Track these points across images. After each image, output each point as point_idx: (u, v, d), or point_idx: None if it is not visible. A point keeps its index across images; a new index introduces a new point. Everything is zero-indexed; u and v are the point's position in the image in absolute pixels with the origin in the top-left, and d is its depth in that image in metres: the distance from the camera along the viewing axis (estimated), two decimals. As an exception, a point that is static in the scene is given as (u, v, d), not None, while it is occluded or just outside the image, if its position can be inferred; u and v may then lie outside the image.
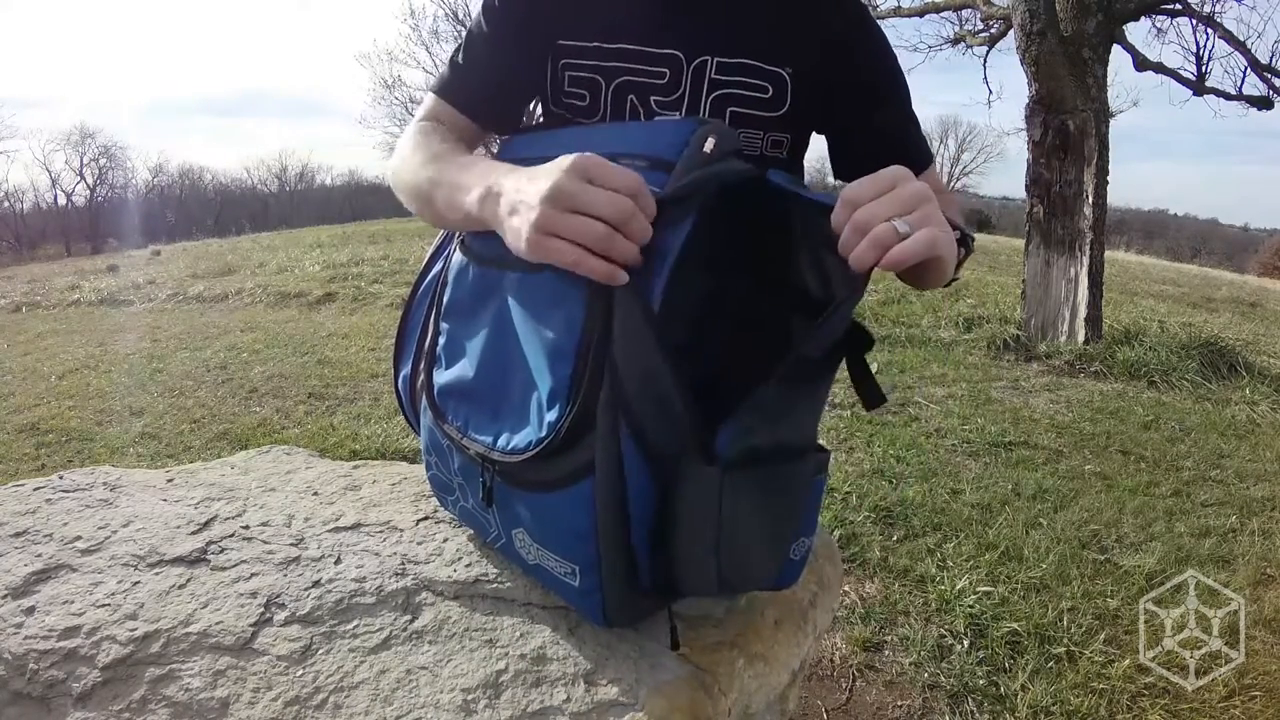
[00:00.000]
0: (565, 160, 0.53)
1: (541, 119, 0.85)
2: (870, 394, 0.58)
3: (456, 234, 0.73)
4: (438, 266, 0.78)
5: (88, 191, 32.85)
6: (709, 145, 0.56)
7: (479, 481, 0.64)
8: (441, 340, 0.70)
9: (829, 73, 0.80)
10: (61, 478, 0.88)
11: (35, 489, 0.85)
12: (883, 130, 0.83)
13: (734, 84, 0.79)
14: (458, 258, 0.70)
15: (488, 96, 0.81)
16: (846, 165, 0.85)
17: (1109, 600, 1.87)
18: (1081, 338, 4.28)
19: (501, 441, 0.60)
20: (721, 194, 0.57)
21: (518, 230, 0.54)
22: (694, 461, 0.55)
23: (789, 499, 0.62)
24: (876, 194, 0.53)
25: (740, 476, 0.55)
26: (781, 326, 0.64)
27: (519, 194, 0.55)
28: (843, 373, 0.60)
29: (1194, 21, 5.34)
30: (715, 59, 0.78)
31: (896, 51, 0.85)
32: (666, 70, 0.78)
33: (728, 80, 0.79)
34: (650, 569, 0.59)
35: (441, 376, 0.69)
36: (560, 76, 0.81)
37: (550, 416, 0.56)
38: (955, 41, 7.22)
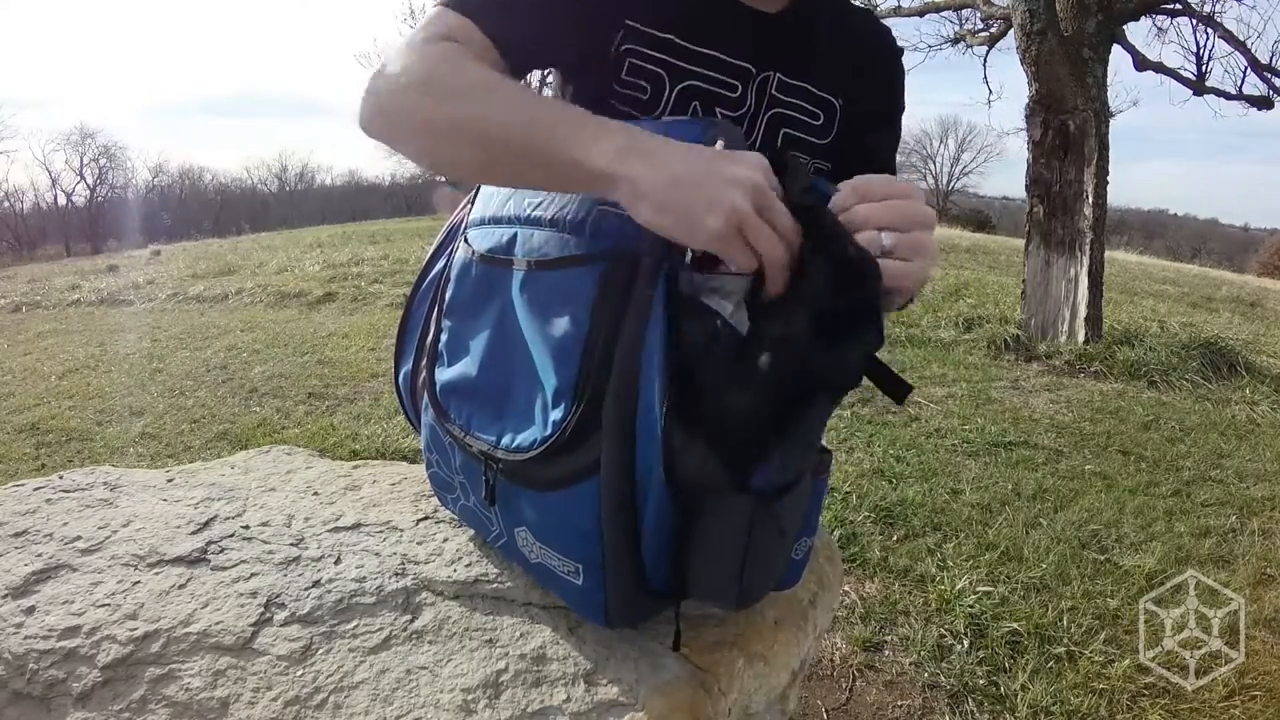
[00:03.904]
0: (752, 161, 0.50)
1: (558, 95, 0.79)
2: (896, 389, 0.56)
3: (460, 231, 0.72)
4: (440, 264, 0.77)
5: (88, 191, 32.90)
6: (719, 147, 0.55)
7: (481, 480, 0.64)
8: (444, 338, 0.70)
9: (860, 104, 0.80)
10: (61, 478, 0.88)
11: (35, 489, 0.85)
12: (873, 150, 0.83)
13: (790, 105, 0.77)
14: (461, 256, 0.70)
15: (531, 44, 0.67)
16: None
17: (1109, 600, 1.87)
18: (1081, 338, 4.28)
19: (505, 440, 0.60)
20: None
21: (694, 211, 0.48)
22: (726, 491, 0.53)
23: (803, 509, 0.62)
24: (885, 195, 0.51)
25: (772, 507, 0.54)
26: None
27: (691, 165, 0.49)
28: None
29: (1194, 21, 5.34)
30: (778, 76, 0.76)
31: None
32: (738, 84, 0.74)
33: (785, 100, 0.77)
34: (660, 573, 0.58)
35: (444, 374, 0.69)
36: (619, 60, 0.71)
37: (555, 415, 0.56)
38: (955, 41, 7.22)
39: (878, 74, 0.83)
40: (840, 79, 0.79)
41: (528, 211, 0.62)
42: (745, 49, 0.74)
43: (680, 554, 0.56)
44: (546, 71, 0.80)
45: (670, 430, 0.52)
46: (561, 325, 0.56)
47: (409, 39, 0.63)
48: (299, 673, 0.60)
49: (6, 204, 31.08)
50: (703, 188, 0.48)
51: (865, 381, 0.57)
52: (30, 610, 0.65)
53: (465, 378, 0.66)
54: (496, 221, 0.66)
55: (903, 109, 0.86)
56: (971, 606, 1.81)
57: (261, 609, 0.66)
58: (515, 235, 0.62)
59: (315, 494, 0.87)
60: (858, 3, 0.84)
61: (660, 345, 0.52)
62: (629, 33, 0.70)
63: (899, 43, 0.87)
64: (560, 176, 0.54)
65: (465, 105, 0.57)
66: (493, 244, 0.65)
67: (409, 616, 0.66)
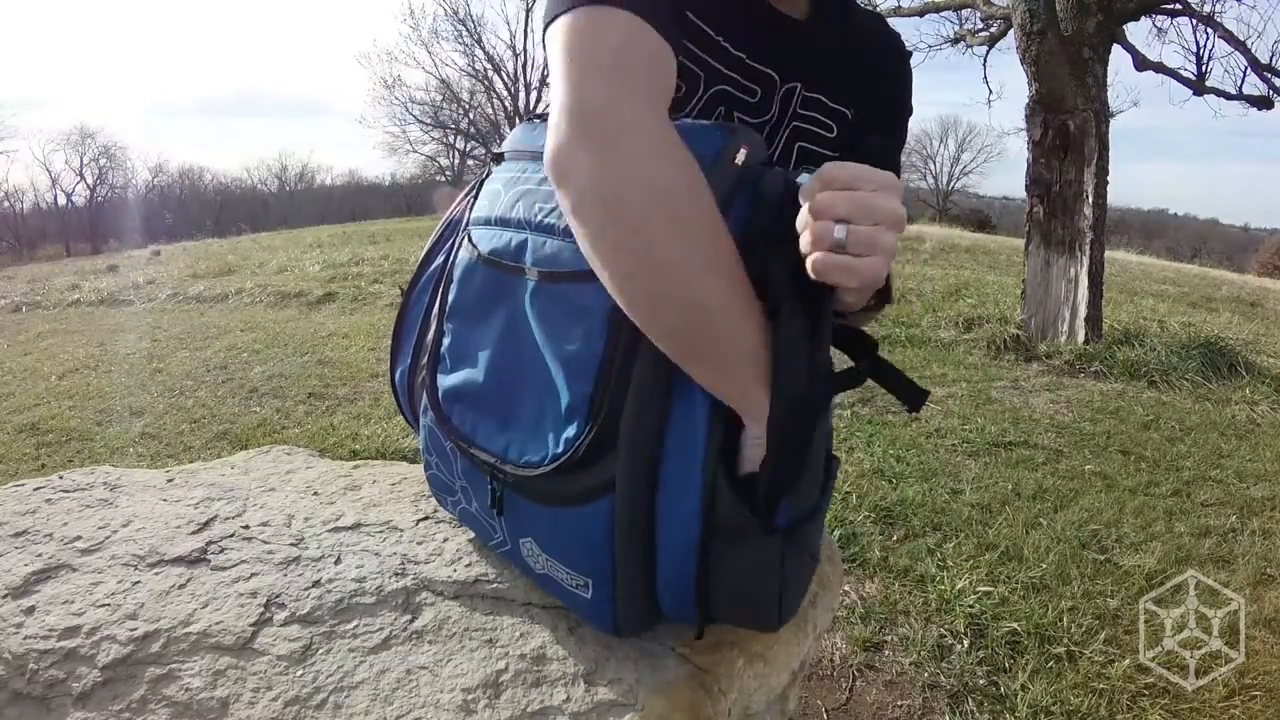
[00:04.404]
0: None
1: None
2: (909, 394, 0.55)
3: (462, 227, 0.70)
4: (439, 259, 0.75)
5: (88, 191, 32.89)
6: (740, 157, 0.53)
7: (487, 488, 0.63)
8: (446, 341, 0.68)
9: (868, 108, 0.80)
10: (61, 478, 0.88)
11: (35, 489, 0.85)
12: (875, 150, 0.81)
13: (809, 119, 0.76)
14: (464, 255, 0.67)
15: (674, 39, 0.58)
16: None
17: (1109, 600, 1.87)
18: (1081, 338, 4.28)
19: (512, 453, 0.59)
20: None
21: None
22: (753, 532, 0.53)
23: (822, 527, 0.62)
24: (850, 184, 0.49)
25: (798, 538, 0.54)
26: None
27: None
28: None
29: (1194, 21, 5.34)
30: (801, 90, 0.74)
31: None
32: (759, 89, 0.72)
33: (804, 114, 0.76)
34: (679, 604, 0.57)
35: (446, 380, 0.67)
36: None
37: (568, 432, 0.55)
38: (955, 41, 7.22)
39: (887, 77, 0.82)
40: (851, 87, 0.78)
41: (539, 217, 0.60)
42: (771, 55, 0.73)
43: (706, 588, 0.55)
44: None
45: (714, 473, 0.52)
46: (575, 340, 0.55)
47: (614, 72, 0.53)
48: (299, 673, 0.60)
49: (6, 204, 31.10)
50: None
51: (865, 381, 0.57)
52: (30, 610, 0.65)
53: (470, 384, 0.64)
54: (504, 224, 0.63)
55: (910, 112, 0.85)
56: (971, 606, 1.81)
57: (261, 609, 0.66)
58: (526, 241, 0.60)
59: (315, 494, 0.87)
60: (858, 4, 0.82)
61: None
62: (683, 25, 0.68)
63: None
64: (717, 386, 0.52)
65: (700, 272, 0.50)
66: (500, 247, 0.63)
67: (409, 616, 0.66)
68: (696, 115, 0.71)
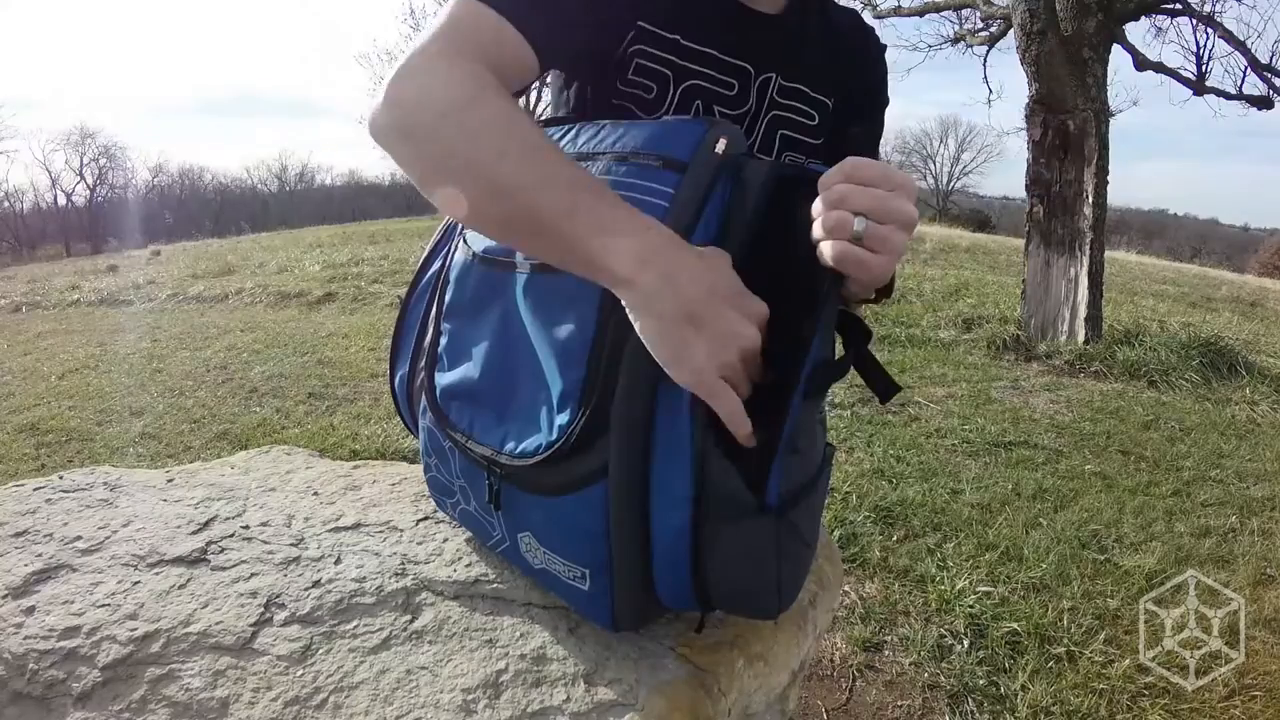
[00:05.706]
0: (751, 301, 0.51)
1: (569, 101, 0.79)
2: (883, 386, 0.56)
3: (458, 231, 0.72)
4: (436, 264, 0.76)
5: (87, 191, 32.92)
6: (720, 146, 0.55)
7: (484, 484, 0.63)
8: (443, 341, 0.69)
9: (848, 100, 0.82)
10: (61, 478, 0.88)
11: (35, 489, 0.85)
12: (854, 139, 0.84)
13: (788, 107, 0.79)
14: (460, 257, 0.69)
15: (561, 46, 0.65)
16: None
17: (1109, 600, 1.87)
18: (1081, 338, 4.28)
19: (509, 445, 0.59)
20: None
21: (690, 351, 0.49)
22: (746, 512, 0.53)
23: (820, 510, 0.62)
24: (870, 181, 0.49)
25: (790, 518, 0.54)
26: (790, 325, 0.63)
27: (707, 304, 0.49)
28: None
29: (1194, 21, 5.34)
30: (778, 79, 0.77)
31: (896, 51, 0.89)
32: (735, 82, 0.75)
33: (784, 103, 0.78)
34: (675, 589, 0.57)
35: (444, 378, 0.68)
36: (626, 60, 0.71)
37: (561, 419, 0.55)
38: (955, 41, 7.21)
39: (865, 71, 0.85)
40: (832, 79, 0.80)
41: None
42: (743, 49, 0.75)
43: (702, 573, 0.55)
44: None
45: (704, 442, 0.52)
46: (567, 328, 0.55)
47: (438, 40, 0.58)
48: (299, 673, 0.60)
49: (6, 204, 31.16)
50: (702, 334, 0.49)
51: (849, 370, 0.57)
52: (30, 610, 0.65)
53: (467, 381, 0.65)
54: None
55: (887, 103, 0.88)
56: (971, 606, 1.81)
57: (261, 609, 0.66)
58: None
59: (315, 494, 0.87)
60: (857, 2, 0.84)
61: None
62: (639, 33, 0.71)
63: (897, 41, 0.89)
64: (573, 263, 0.52)
65: (495, 158, 0.53)
66: (493, 245, 0.64)
67: (409, 616, 0.66)
68: (674, 110, 0.74)
